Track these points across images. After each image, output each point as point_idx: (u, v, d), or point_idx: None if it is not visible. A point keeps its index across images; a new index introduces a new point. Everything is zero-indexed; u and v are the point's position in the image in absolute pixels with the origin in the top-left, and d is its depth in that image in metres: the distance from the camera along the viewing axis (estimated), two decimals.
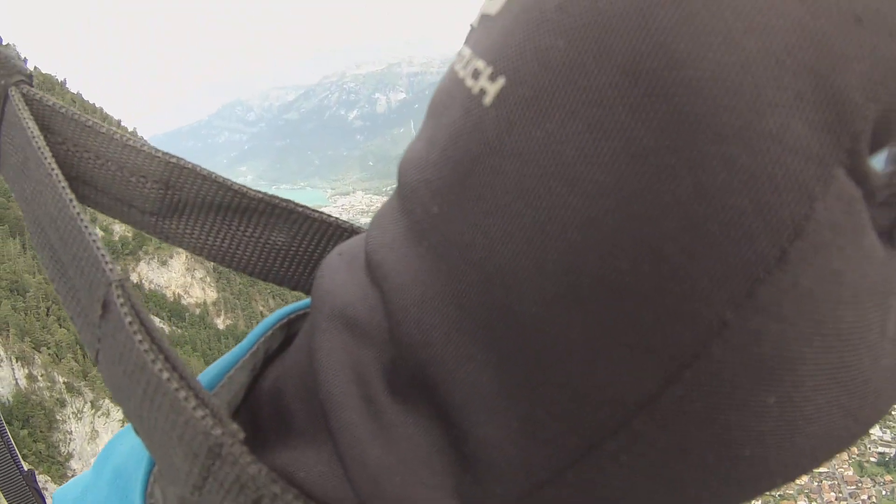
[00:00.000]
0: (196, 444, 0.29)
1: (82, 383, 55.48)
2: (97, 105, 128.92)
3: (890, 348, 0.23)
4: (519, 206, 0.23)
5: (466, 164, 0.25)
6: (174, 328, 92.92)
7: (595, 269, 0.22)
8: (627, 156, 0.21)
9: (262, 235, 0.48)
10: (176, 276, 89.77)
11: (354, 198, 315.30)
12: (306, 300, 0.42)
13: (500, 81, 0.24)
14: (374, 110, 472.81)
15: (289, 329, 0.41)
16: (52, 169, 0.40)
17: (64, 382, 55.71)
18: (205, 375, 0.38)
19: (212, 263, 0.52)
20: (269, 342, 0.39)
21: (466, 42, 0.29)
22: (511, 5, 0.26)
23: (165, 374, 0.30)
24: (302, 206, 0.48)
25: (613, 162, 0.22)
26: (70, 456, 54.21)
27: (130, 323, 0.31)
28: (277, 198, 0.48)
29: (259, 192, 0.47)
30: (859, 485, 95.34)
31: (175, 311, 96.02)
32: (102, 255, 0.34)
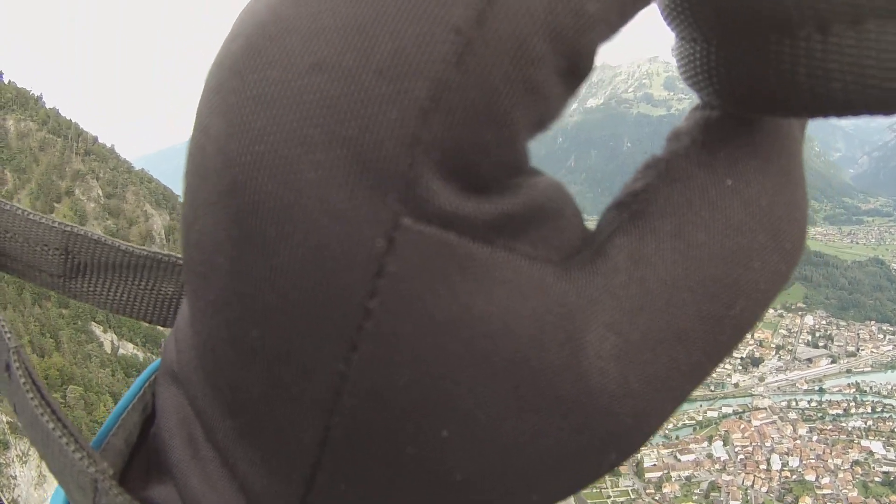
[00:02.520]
0: (82, 480, 0.33)
1: None
2: (73, 120, 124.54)
3: (606, 366, 0.23)
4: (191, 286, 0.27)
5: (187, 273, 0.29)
6: (149, 355, 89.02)
7: (234, 336, 0.25)
8: (225, 245, 0.24)
9: (154, 287, 0.54)
10: None
11: None
12: None
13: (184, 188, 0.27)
14: None
15: None
16: None
17: (7, 423, 51.71)
18: (108, 420, 0.41)
19: None
20: (153, 386, 0.41)
21: None
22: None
23: (51, 425, 0.35)
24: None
25: (218, 250, 0.24)
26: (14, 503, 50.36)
27: (24, 383, 0.38)
28: (161, 253, 0.54)
29: (145, 249, 0.54)
30: None
31: (150, 336, 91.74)
32: (2, 326, 0.41)
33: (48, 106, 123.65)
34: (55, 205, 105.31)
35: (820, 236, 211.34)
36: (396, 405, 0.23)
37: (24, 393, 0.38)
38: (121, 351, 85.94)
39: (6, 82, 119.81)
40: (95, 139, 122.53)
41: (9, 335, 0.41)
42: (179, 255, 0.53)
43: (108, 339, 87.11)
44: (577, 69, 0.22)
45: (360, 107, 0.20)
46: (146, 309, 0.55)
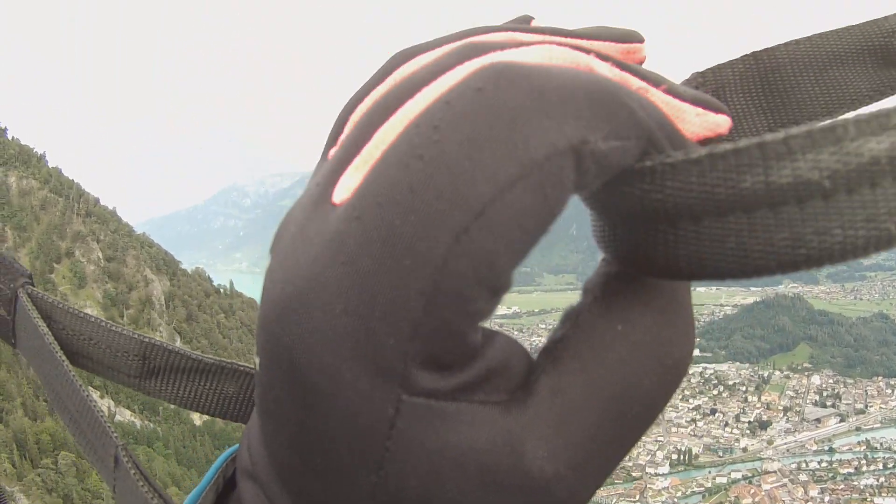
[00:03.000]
0: None
1: (16, 487, 50.26)
2: (75, 181, 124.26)
3: (542, 464, 0.32)
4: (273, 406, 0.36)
5: (256, 405, 0.38)
6: (146, 423, 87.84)
7: (296, 454, 0.35)
8: (290, 406, 0.34)
9: (217, 387, 0.67)
10: None
11: None
12: None
13: (257, 360, 0.36)
14: None
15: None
16: (63, 361, 0.62)
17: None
18: (189, 500, 0.50)
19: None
20: (225, 471, 0.50)
21: None
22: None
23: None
24: (243, 365, 0.67)
25: (288, 421, 0.34)
26: None
27: (134, 474, 0.51)
28: (225, 361, 0.67)
29: (211, 357, 0.67)
30: None
31: (148, 404, 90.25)
32: (108, 427, 0.55)
33: (51, 165, 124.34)
34: (55, 265, 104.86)
35: (823, 295, 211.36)
36: (411, 496, 0.32)
37: (134, 482, 0.51)
38: (118, 417, 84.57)
39: (10, 138, 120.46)
40: (97, 201, 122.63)
41: (115, 434, 0.55)
42: (240, 363, 0.67)
43: (105, 404, 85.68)
44: (500, 292, 0.31)
45: (372, 338, 0.30)
46: (210, 405, 0.68)
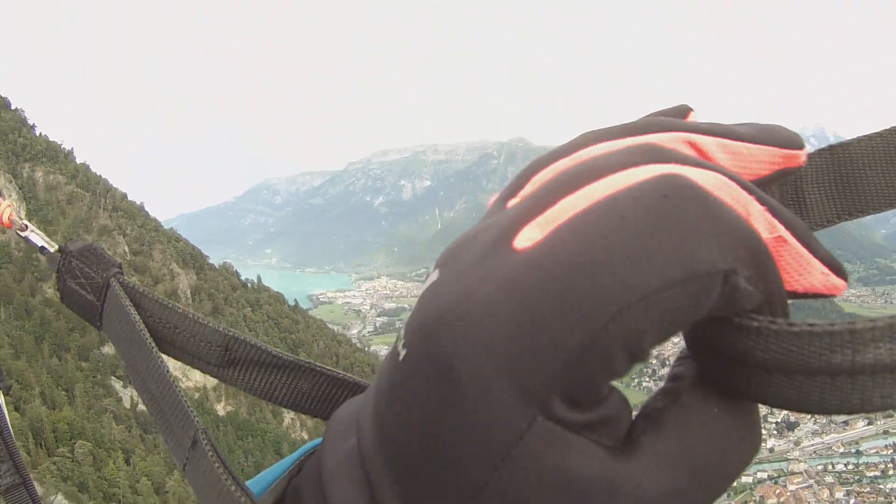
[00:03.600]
0: None
1: (31, 475, 50.22)
2: (102, 176, 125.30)
3: None
4: (400, 416, 0.40)
5: (386, 388, 0.42)
6: None
7: (423, 449, 0.39)
8: (432, 407, 0.38)
9: (292, 383, 0.73)
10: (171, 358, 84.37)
11: (379, 283, 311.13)
12: (318, 440, 0.59)
13: (405, 351, 0.40)
14: (399, 197, 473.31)
15: (306, 460, 0.59)
16: (153, 347, 0.66)
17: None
18: (259, 482, 0.58)
19: None
20: (302, 462, 0.57)
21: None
22: (420, 299, 0.41)
23: (238, 493, 0.52)
24: (319, 366, 0.73)
25: (429, 413, 0.38)
26: None
27: (211, 455, 0.56)
28: (303, 360, 0.73)
29: (289, 356, 0.73)
30: None
31: None
32: (190, 409, 0.60)
33: (79, 161, 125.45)
34: None
35: (854, 298, 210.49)
36: (510, 499, 0.37)
37: (211, 464, 0.55)
38: (140, 406, 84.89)
39: (38, 135, 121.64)
40: (125, 196, 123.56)
41: (196, 418, 0.59)
42: (317, 364, 0.73)
43: (128, 394, 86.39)
44: (637, 361, 0.36)
45: (527, 365, 0.35)
46: (284, 398, 0.73)
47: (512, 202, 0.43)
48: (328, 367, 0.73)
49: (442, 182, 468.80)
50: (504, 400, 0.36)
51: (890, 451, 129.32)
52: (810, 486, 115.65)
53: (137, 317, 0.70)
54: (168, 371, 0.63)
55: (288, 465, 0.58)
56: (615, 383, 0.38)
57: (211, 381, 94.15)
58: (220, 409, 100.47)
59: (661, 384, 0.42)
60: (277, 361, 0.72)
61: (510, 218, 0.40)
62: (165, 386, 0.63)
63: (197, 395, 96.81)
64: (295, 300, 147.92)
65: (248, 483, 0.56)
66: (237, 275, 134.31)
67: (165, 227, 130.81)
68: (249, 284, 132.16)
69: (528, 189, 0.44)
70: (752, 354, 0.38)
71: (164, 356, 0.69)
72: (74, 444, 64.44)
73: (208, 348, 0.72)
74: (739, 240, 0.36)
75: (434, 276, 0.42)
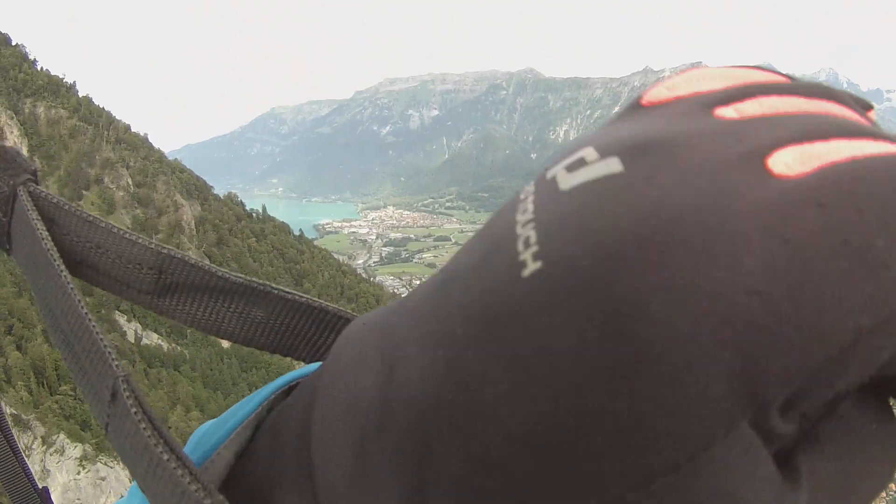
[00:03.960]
0: None
1: (32, 415, 50.64)
2: (105, 108, 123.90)
3: None
4: (513, 368, 0.28)
5: (492, 316, 0.30)
6: (173, 346, 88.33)
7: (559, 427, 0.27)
8: (593, 370, 0.27)
9: (243, 311, 0.57)
10: None
11: (385, 212, 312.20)
12: (302, 370, 0.50)
13: (538, 265, 0.29)
14: (406, 126, 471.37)
15: (289, 392, 0.47)
16: (61, 272, 0.50)
17: (10, 414, 50.48)
18: (214, 433, 0.45)
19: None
20: (271, 404, 0.46)
21: (536, 192, 0.33)
22: (577, 195, 0.30)
23: (165, 456, 0.39)
24: (277, 288, 0.57)
25: (583, 373, 0.27)
26: None
27: (136, 412, 0.41)
28: (255, 281, 0.57)
29: (239, 276, 0.57)
30: None
31: (175, 326, 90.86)
32: (109, 353, 0.44)
33: (81, 94, 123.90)
34: (83, 192, 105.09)
35: None
36: None
37: (134, 422, 0.41)
38: (144, 341, 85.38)
39: (39, 69, 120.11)
40: (128, 128, 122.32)
41: (116, 363, 0.43)
42: (273, 285, 0.57)
43: (131, 328, 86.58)
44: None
45: (771, 343, 0.25)
46: (233, 330, 0.58)
47: (723, 111, 0.32)
48: (288, 290, 0.58)
49: (450, 112, 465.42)
50: (716, 388, 0.26)
51: None
52: None
53: (45, 233, 0.54)
54: (80, 302, 0.48)
55: (254, 407, 0.46)
56: None
57: None
58: (225, 341, 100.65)
59: None
60: (225, 285, 0.57)
61: (751, 133, 0.30)
62: (77, 321, 0.47)
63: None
64: (300, 230, 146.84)
65: (206, 427, 0.46)
66: (242, 205, 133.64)
67: (171, 158, 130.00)
68: (254, 214, 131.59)
69: (750, 107, 0.32)
70: None
71: (93, 286, 0.58)
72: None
73: (138, 272, 0.56)
74: None
75: (609, 165, 0.30)
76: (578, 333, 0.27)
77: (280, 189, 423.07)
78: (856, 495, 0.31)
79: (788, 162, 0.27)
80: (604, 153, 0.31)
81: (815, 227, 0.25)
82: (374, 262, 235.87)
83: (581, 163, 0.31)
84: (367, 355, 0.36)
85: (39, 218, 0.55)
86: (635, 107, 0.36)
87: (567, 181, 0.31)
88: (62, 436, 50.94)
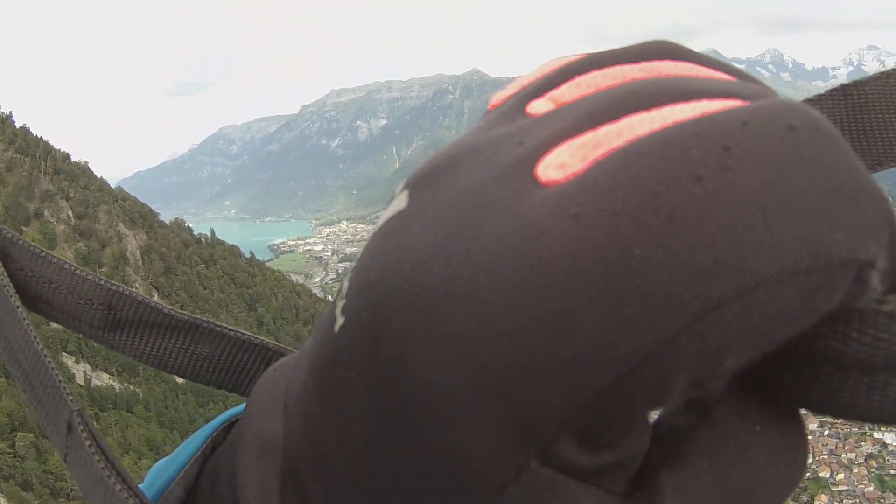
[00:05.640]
0: None
1: None
2: (42, 138, 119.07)
3: None
4: (334, 422, 0.30)
5: (317, 368, 0.31)
6: (125, 385, 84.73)
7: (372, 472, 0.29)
8: (379, 422, 0.27)
9: (189, 347, 0.58)
10: None
11: (339, 227, 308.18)
12: (242, 406, 0.48)
13: (342, 319, 0.28)
14: (355, 138, 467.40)
15: (230, 429, 0.47)
16: (17, 307, 0.52)
17: None
18: (166, 469, 0.46)
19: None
20: (214, 440, 0.46)
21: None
22: (374, 239, 0.29)
23: (118, 486, 0.40)
24: (220, 326, 0.58)
25: (372, 426, 0.28)
26: None
27: (89, 445, 0.42)
28: (200, 318, 0.58)
29: (185, 313, 0.58)
30: (882, 500, 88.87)
31: (127, 364, 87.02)
32: (64, 388, 0.46)
33: (18, 125, 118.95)
34: (23, 228, 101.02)
35: None
36: None
37: (88, 454, 0.42)
38: (95, 382, 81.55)
39: None
40: (66, 156, 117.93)
41: (70, 397, 0.46)
42: (217, 323, 0.59)
43: (80, 370, 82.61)
44: (699, 390, 0.25)
45: (535, 385, 0.23)
46: (180, 365, 0.59)
47: (537, 105, 0.30)
48: (230, 328, 0.59)
49: (398, 120, 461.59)
50: (488, 435, 0.25)
51: None
52: None
53: (1, 268, 0.55)
54: (36, 338, 0.49)
55: (199, 444, 0.46)
56: None
57: None
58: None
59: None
60: (170, 321, 0.58)
61: (535, 131, 0.27)
62: (33, 356, 0.49)
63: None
64: (251, 252, 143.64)
65: (160, 464, 0.47)
66: (189, 230, 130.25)
67: (123, 186, 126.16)
68: (203, 239, 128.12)
69: (567, 92, 0.29)
70: (836, 347, 0.26)
71: (49, 320, 0.60)
72: (15, 437, 60.20)
73: (88, 307, 0.57)
74: (885, 215, 0.24)
75: (400, 201, 0.29)
76: (366, 386, 0.27)
77: (233, 211, 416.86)
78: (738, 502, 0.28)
79: (564, 161, 0.25)
80: (405, 185, 0.30)
81: (564, 247, 0.23)
82: (330, 280, 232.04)
83: (393, 197, 0.31)
84: (274, 399, 0.38)
85: None
86: (485, 112, 0.33)
87: (380, 220, 0.30)
88: (0, 498, 47.28)
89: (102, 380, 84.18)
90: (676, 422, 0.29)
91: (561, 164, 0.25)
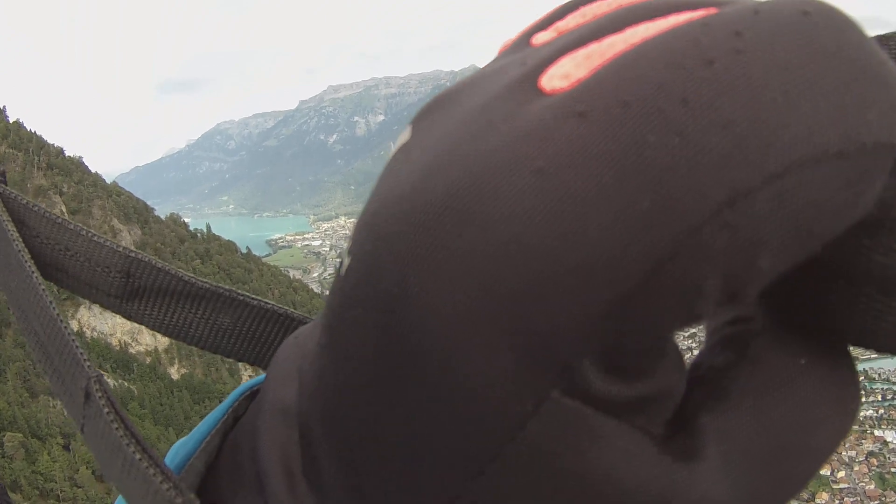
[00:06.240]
0: None
1: None
2: (35, 132, 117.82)
3: None
4: (342, 371, 0.28)
5: (328, 320, 0.29)
6: (120, 381, 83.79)
7: (374, 424, 0.26)
8: (384, 362, 0.25)
9: (210, 317, 0.56)
10: (121, 321, 79.27)
11: (337, 223, 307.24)
12: (262, 376, 0.47)
13: (349, 260, 0.26)
14: (353, 133, 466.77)
15: (252, 398, 0.46)
16: (32, 273, 0.49)
17: None
18: (185, 445, 0.43)
19: None
20: (236, 411, 0.44)
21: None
22: (380, 175, 0.28)
23: (138, 456, 0.37)
24: (243, 294, 0.56)
25: (377, 367, 0.25)
26: None
27: (108, 412, 0.39)
28: (222, 287, 0.56)
29: (206, 281, 0.55)
30: (883, 499, 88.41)
31: (121, 361, 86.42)
32: (81, 353, 0.44)
33: (12, 119, 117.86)
34: None
35: None
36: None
37: (107, 422, 0.40)
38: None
39: None
40: (60, 151, 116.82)
41: (88, 363, 0.43)
42: (239, 292, 0.56)
43: None
44: (735, 301, 0.22)
45: (543, 296, 0.21)
46: (200, 336, 0.57)
47: (541, 35, 0.28)
48: (254, 297, 0.57)
49: (395, 116, 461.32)
50: (498, 359, 0.23)
51: (861, 379, 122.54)
52: None
53: (16, 234, 0.53)
54: (52, 304, 0.47)
55: (220, 416, 0.44)
56: None
57: (162, 343, 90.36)
58: (174, 372, 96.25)
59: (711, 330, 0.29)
60: (191, 290, 0.56)
61: (538, 52, 0.26)
62: (49, 323, 0.47)
63: (149, 360, 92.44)
64: (247, 247, 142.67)
65: (179, 442, 0.45)
66: (185, 226, 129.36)
67: (122, 181, 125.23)
68: (199, 235, 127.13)
69: (572, 21, 0.28)
70: (879, 261, 0.24)
71: (63, 289, 0.58)
72: (3, 436, 59.36)
73: (106, 275, 0.55)
74: None
75: (404, 136, 0.28)
76: (372, 322, 0.25)
77: (231, 206, 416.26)
78: (784, 452, 0.26)
79: (568, 72, 0.24)
80: (410, 120, 0.29)
81: (571, 144, 0.21)
82: (329, 275, 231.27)
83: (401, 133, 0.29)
84: (292, 367, 0.37)
85: (10, 219, 0.55)
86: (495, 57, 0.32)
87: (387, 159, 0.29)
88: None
89: None
90: (715, 360, 0.28)
91: (566, 73, 0.23)
